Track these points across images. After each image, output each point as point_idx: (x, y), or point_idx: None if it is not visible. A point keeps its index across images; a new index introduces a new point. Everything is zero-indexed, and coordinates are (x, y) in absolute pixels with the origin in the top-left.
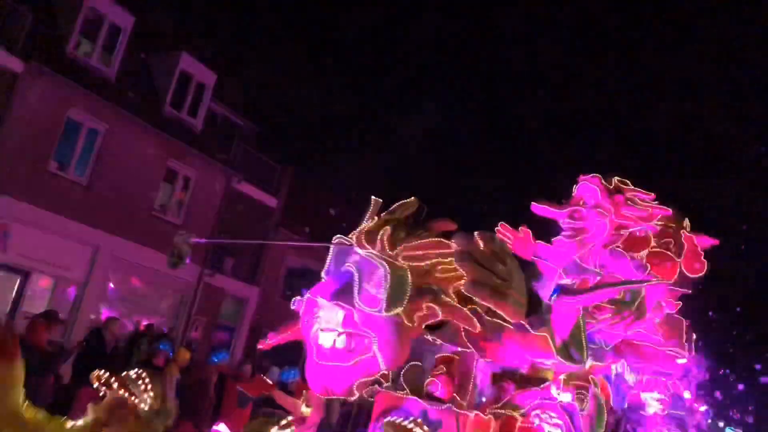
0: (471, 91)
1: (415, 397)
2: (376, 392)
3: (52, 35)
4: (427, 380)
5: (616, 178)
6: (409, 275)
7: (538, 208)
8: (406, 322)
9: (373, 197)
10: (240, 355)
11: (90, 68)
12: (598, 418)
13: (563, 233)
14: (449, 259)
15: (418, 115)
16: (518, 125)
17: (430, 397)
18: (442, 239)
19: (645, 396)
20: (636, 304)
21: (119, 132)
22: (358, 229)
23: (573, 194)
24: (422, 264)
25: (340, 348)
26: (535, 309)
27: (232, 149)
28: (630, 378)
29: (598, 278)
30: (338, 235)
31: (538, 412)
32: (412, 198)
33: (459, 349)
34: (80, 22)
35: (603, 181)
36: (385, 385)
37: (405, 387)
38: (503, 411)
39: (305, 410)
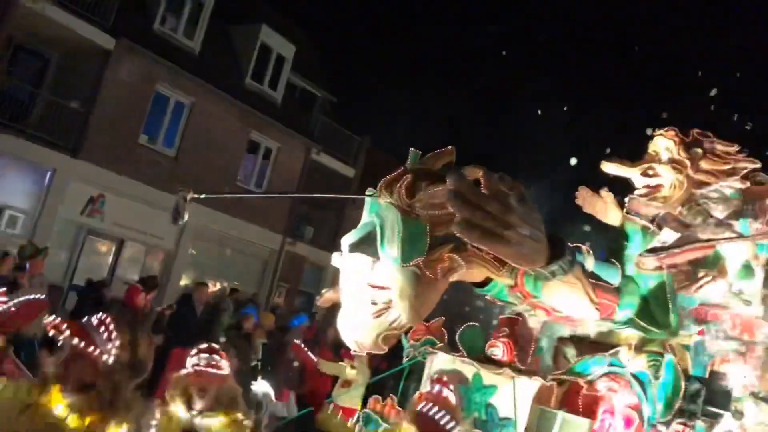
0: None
1: (469, 360)
2: (428, 352)
3: (139, 12)
4: (488, 342)
5: (696, 130)
6: (427, 224)
7: (609, 167)
8: (427, 273)
9: (411, 148)
10: (321, 320)
11: (175, 43)
12: (673, 388)
13: (636, 192)
14: None
15: (499, 81)
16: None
17: (489, 361)
18: None
19: (729, 367)
20: (716, 265)
21: (204, 105)
22: (382, 179)
23: (647, 150)
24: (440, 212)
25: (364, 300)
26: (557, 256)
27: (310, 120)
28: (713, 346)
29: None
30: (370, 188)
31: (605, 379)
32: (449, 147)
33: (521, 308)
34: None
35: (679, 134)
36: (439, 345)
37: (461, 349)
38: (567, 377)
39: (350, 372)
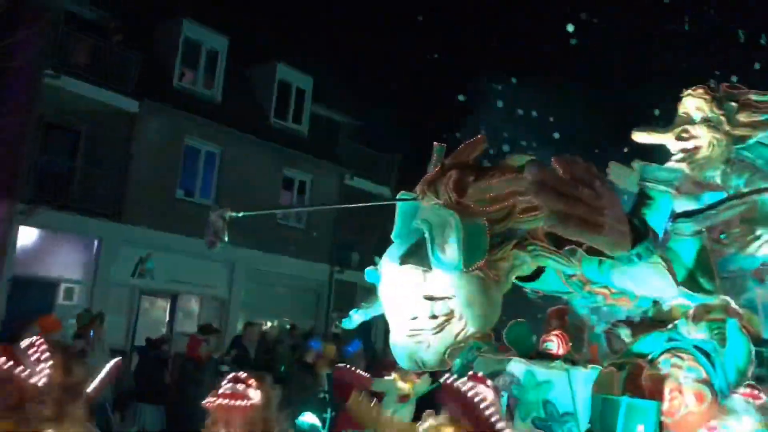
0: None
1: (519, 358)
2: (475, 356)
3: (158, 72)
4: (541, 338)
5: (725, 84)
6: (485, 222)
7: (640, 136)
8: (490, 275)
9: (435, 143)
10: (381, 343)
11: (197, 95)
12: (743, 354)
13: (673, 157)
14: (528, 196)
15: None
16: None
17: (540, 356)
18: (516, 174)
19: None
20: None
21: (234, 151)
22: (421, 180)
23: (678, 113)
24: (498, 207)
25: (421, 315)
26: (641, 237)
27: (338, 147)
28: None
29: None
30: (403, 192)
31: (667, 356)
32: (480, 136)
33: (577, 297)
34: (180, 54)
35: (709, 91)
36: (485, 348)
37: (510, 348)
38: (625, 360)
39: (402, 386)
